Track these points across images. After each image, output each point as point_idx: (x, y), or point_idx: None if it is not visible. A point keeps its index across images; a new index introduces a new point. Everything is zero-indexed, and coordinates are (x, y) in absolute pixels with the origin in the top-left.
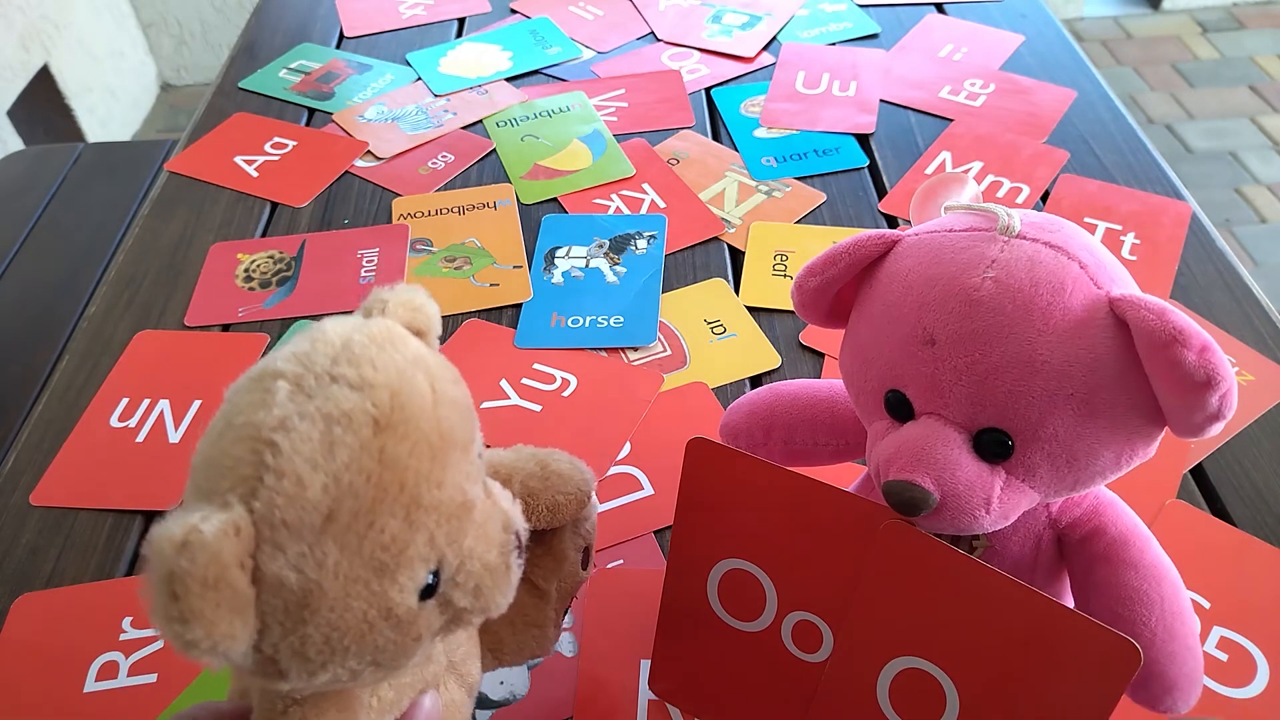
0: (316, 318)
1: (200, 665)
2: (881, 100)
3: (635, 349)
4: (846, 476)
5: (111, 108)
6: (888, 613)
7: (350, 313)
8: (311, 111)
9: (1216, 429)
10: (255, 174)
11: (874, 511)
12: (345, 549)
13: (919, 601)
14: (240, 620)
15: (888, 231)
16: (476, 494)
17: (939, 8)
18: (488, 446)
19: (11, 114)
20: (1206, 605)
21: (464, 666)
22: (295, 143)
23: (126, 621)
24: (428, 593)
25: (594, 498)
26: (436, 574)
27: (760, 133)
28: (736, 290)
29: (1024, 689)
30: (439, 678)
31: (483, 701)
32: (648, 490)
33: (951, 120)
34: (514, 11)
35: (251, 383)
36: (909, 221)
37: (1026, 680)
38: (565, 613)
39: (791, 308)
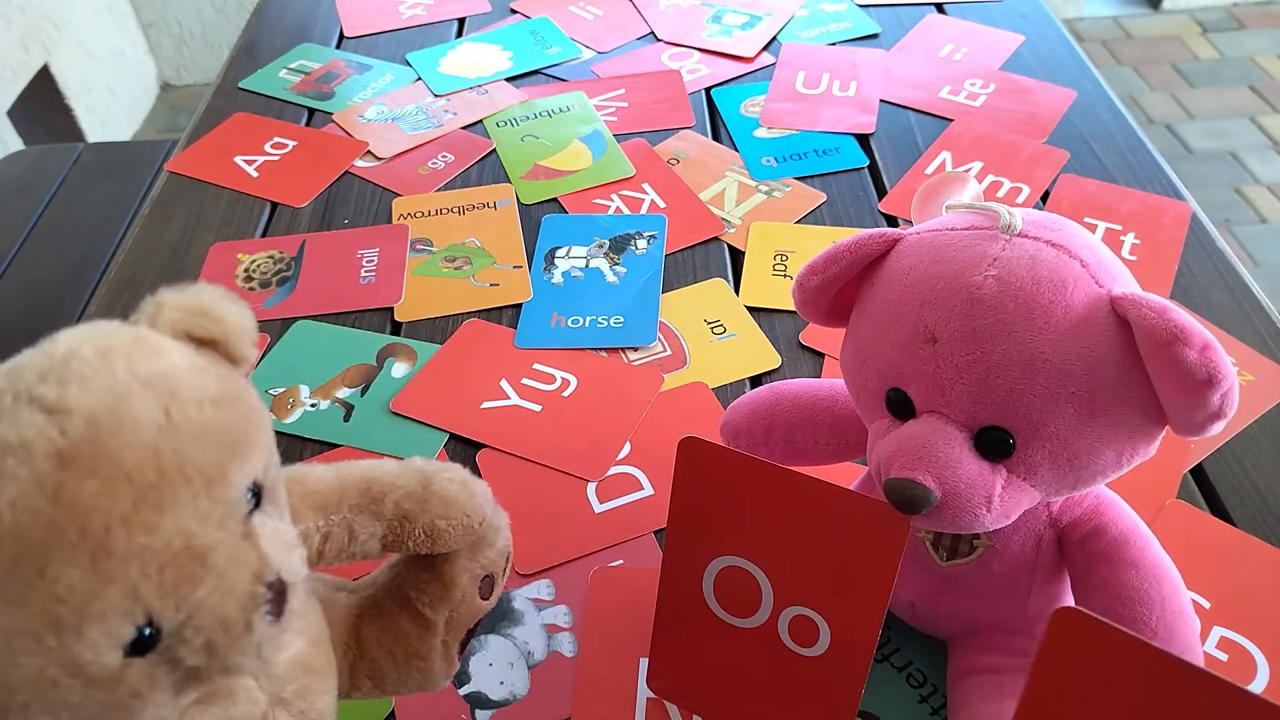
0: (316, 318)
1: None
2: (881, 100)
3: (635, 349)
4: (847, 476)
5: (111, 108)
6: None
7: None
8: (311, 111)
9: (1218, 427)
10: (255, 174)
11: (868, 506)
12: (4, 598)
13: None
14: None
15: (889, 230)
16: (217, 537)
17: (939, 8)
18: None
19: (11, 114)
20: (1206, 605)
21: (301, 702)
22: (295, 143)
23: None
24: (140, 648)
25: (505, 526)
26: (153, 627)
27: (760, 133)
28: (736, 290)
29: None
30: (262, 717)
31: (483, 701)
32: (648, 490)
33: (951, 120)
34: (514, 11)
35: None
36: (909, 221)
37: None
38: (463, 645)
39: (791, 308)
